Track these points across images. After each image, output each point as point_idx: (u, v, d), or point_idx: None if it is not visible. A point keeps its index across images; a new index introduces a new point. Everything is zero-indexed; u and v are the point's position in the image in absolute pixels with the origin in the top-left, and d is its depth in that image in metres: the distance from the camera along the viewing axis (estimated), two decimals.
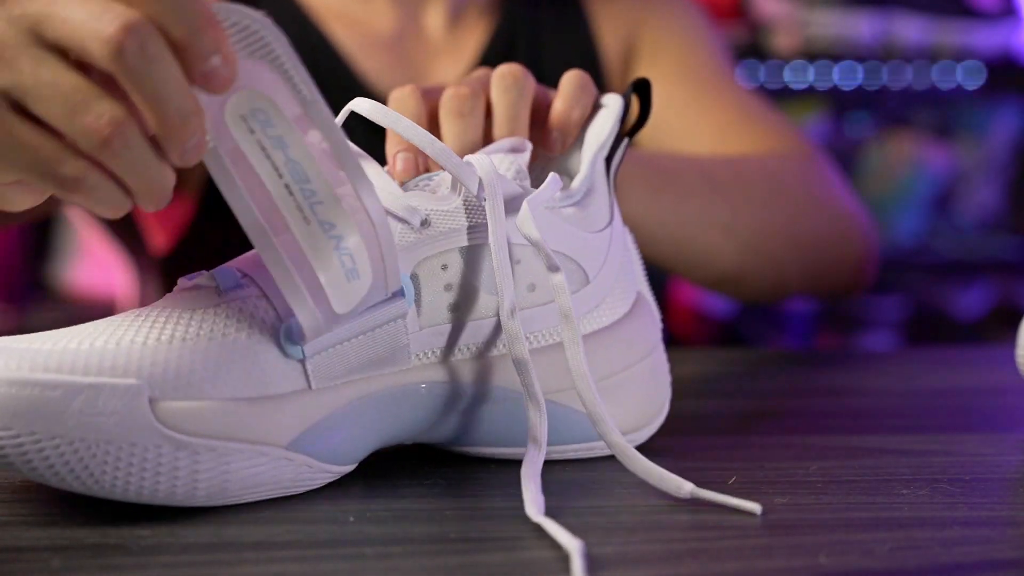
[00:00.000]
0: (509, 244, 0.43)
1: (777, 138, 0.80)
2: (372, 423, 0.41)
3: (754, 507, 0.39)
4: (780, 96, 1.77)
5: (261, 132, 0.36)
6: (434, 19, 0.83)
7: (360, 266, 0.39)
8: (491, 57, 0.82)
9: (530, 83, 0.49)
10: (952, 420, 0.57)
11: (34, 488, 0.40)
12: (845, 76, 1.77)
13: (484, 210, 0.42)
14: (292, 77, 0.36)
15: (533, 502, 0.38)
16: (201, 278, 0.40)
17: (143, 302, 0.98)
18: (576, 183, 0.46)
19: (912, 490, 0.42)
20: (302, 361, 0.39)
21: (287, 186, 0.37)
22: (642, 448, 0.47)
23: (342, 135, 0.38)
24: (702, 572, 0.33)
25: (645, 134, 0.82)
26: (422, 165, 0.46)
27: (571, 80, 0.50)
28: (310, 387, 0.39)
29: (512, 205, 0.43)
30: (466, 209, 0.42)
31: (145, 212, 0.85)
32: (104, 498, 0.37)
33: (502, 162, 0.44)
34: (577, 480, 0.43)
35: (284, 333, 0.39)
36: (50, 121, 0.34)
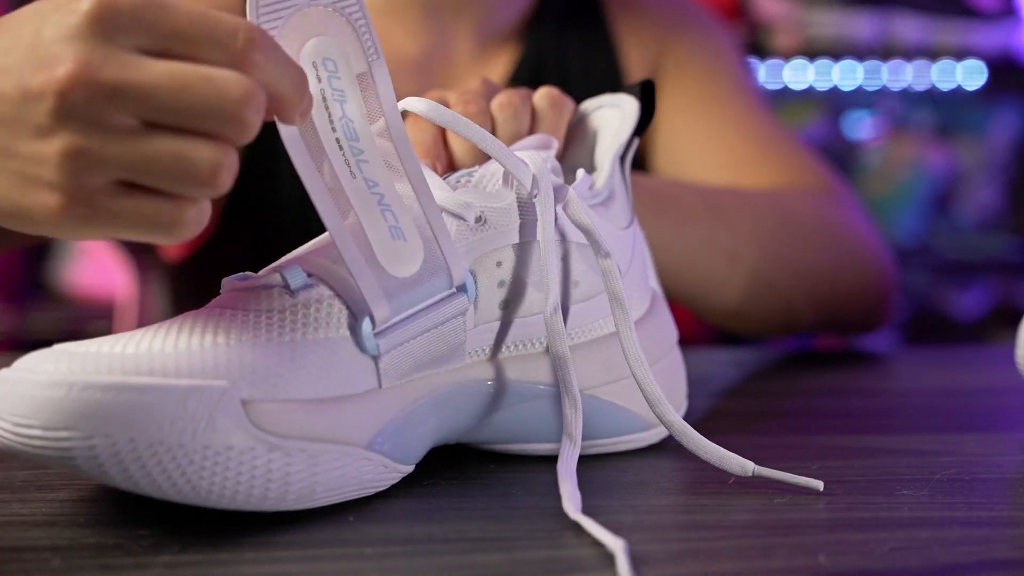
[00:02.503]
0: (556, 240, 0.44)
1: (797, 172, 0.78)
2: (432, 421, 0.42)
3: (816, 484, 0.40)
4: (780, 96, 1.77)
5: (326, 82, 0.38)
6: (461, 44, 0.82)
7: (404, 226, 0.39)
8: (518, 82, 0.81)
9: (570, 104, 0.51)
10: (952, 420, 0.57)
11: (34, 488, 0.40)
12: (845, 76, 1.77)
13: (533, 206, 0.43)
14: (364, 32, 0.38)
15: (570, 499, 0.38)
16: (268, 277, 0.40)
17: (143, 304, 0.98)
18: (600, 183, 0.47)
19: (912, 490, 0.42)
20: (375, 359, 0.39)
21: (337, 140, 0.38)
22: (649, 446, 0.47)
23: (394, 102, 0.39)
24: (702, 572, 0.33)
25: (661, 163, 0.82)
26: (441, 169, 0.47)
27: (546, 102, 0.50)
28: (380, 386, 0.39)
29: (556, 196, 0.43)
30: (519, 206, 0.43)
31: None
32: (198, 505, 0.35)
33: (539, 158, 0.45)
34: (577, 480, 0.43)
35: (365, 326, 0.38)
36: (164, 190, 0.34)
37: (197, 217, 0.35)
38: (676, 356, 0.50)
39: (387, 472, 0.40)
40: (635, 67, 0.85)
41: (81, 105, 0.33)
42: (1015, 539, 0.37)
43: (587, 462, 0.45)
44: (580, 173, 0.46)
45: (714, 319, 0.72)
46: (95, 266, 1.76)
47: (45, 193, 0.34)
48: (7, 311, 1.73)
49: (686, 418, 0.50)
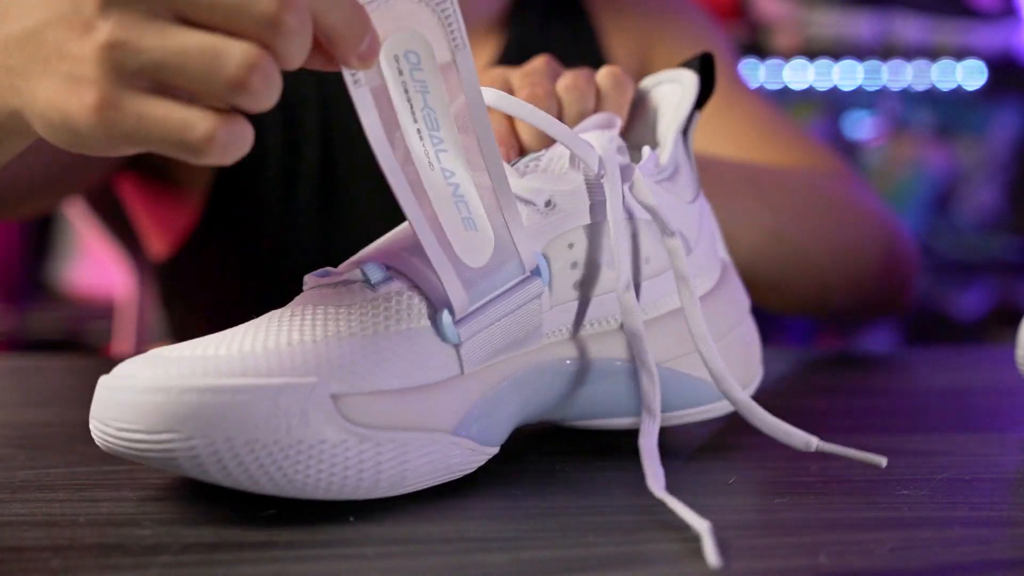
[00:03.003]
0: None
1: (803, 154, 0.78)
2: (514, 403, 0.43)
3: (879, 460, 0.41)
4: (780, 96, 1.77)
5: (408, 74, 0.38)
6: None
7: (476, 216, 0.40)
8: None
9: (632, 82, 0.52)
10: (952, 420, 0.57)
11: (34, 488, 0.40)
12: (845, 76, 1.77)
13: (601, 187, 0.43)
14: (450, 23, 0.38)
15: (654, 477, 0.39)
16: (348, 273, 0.41)
17: (143, 304, 0.98)
18: (665, 159, 0.48)
19: (912, 490, 0.42)
20: (456, 347, 0.40)
21: (419, 131, 0.38)
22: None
23: (479, 91, 0.39)
24: (702, 572, 0.33)
25: None
26: (512, 156, 0.48)
27: (609, 81, 0.51)
28: (462, 372, 0.40)
29: (623, 177, 0.44)
30: (587, 187, 0.44)
31: (144, 218, 0.86)
32: (295, 497, 0.37)
33: (604, 138, 0.45)
34: (576, 479, 0.43)
35: (444, 317, 0.40)
36: (189, 88, 0.34)
37: (230, 137, 0.34)
38: (748, 325, 0.51)
39: (474, 455, 0.41)
40: (620, 59, 0.85)
41: None
42: (1015, 539, 0.37)
43: (586, 461, 0.45)
44: (646, 151, 0.47)
45: (750, 294, 0.72)
46: (95, 266, 1.76)
47: (84, 91, 0.34)
48: (7, 311, 1.73)
49: (759, 390, 0.52)
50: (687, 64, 0.50)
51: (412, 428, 0.39)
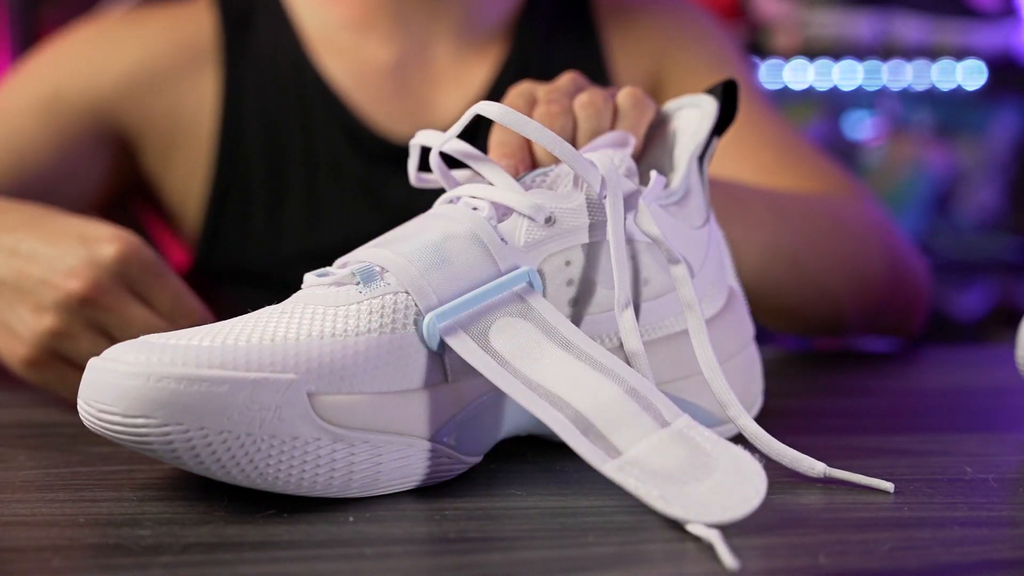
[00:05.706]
0: (626, 240, 0.44)
1: (820, 178, 0.77)
2: (499, 415, 0.43)
3: (887, 486, 0.41)
4: (780, 96, 1.77)
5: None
6: (441, 49, 0.80)
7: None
8: (502, 88, 0.79)
9: (652, 104, 0.52)
10: (952, 420, 0.57)
11: (34, 488, 0.40)
12: (845, 76, 1.77)
13: (603, 207, 0.44)
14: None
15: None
16: (340, 275, 0.41)
17: None
18: (675, 183, 0.48)
19: (912, 490, 0.42)
20: (442, 355, 0.40)
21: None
22: None
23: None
24: (702, 572, 0.33)
25: None
26: (522, 170, 0.48)
27: (628, 101, 0.51)
28: (447, 380, 0.40)
29: (627, 202, 0.44)
30: (588, 206, 0.44)
31: (161, 229, 0.86)
32: (266, 490, 0.38)
33: (614, 159, 0.45)
34: (576, 479, 0.43)
35: (430, 324, 0.40)
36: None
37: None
38: (751, 352, 0.51)
39: (452, 463, 0.41)
40: (625, 77, 0.83)
41: (78, 310, 0.51)
42: (1015, 539, 0.37)
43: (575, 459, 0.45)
44: (653, 175, 0.47)
45: (766, 318, 0.70)
46: None
47: (18, 345, 0.52)
48: None
49: (760, 415, 0.51)
50: (710, 91, 0.50)
51: (388, 431, 0.39)
